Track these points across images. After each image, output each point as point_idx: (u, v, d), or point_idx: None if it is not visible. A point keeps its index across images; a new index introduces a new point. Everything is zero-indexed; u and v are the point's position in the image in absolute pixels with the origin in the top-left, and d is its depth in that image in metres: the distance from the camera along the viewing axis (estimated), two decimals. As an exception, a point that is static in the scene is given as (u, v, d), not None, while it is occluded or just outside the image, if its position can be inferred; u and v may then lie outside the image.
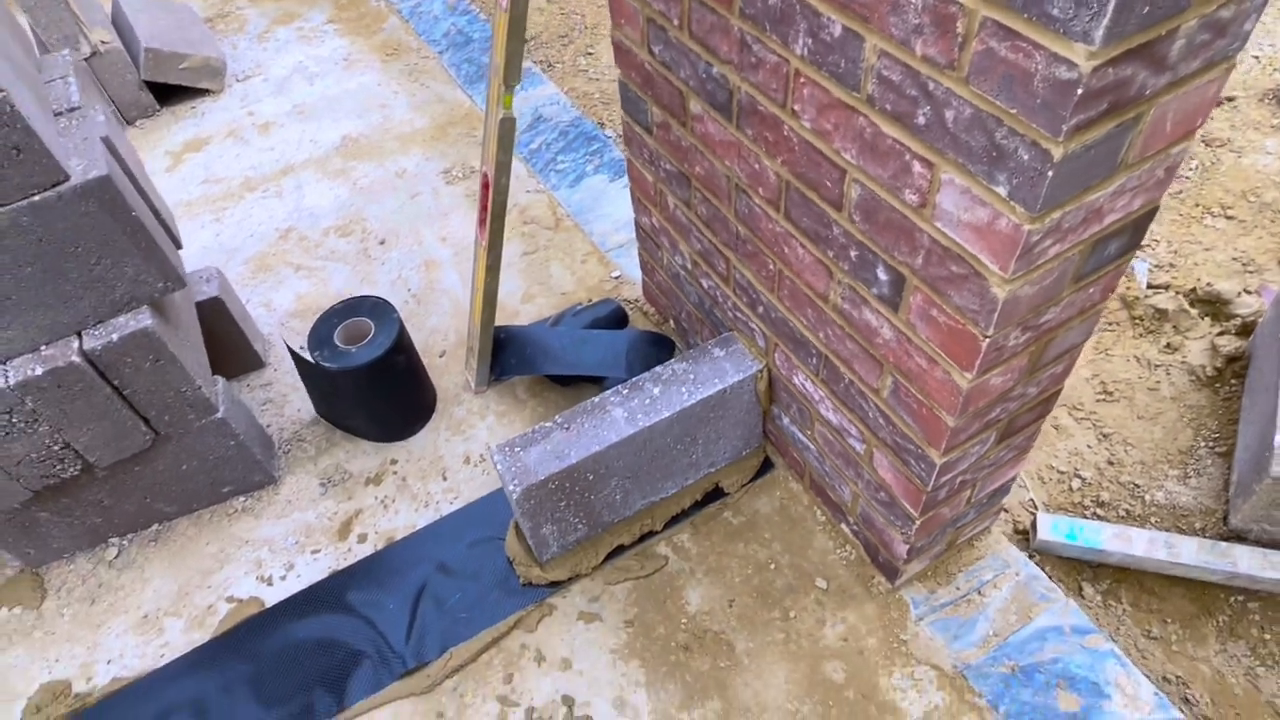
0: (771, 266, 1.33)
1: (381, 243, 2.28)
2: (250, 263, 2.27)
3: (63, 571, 1.68)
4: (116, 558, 1.69)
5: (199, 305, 1.76)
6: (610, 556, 1.59)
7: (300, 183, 2.49)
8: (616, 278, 2.11)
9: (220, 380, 1.67)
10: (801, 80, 1.03)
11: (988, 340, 0.95)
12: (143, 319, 1.41)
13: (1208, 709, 1.49)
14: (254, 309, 2.13)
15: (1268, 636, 1.56)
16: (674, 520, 1.63)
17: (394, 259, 2.24)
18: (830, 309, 1.22)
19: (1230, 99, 2.62)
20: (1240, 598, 1.60)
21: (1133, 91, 0.74)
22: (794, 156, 1.13)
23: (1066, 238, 0.87)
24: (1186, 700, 1.50)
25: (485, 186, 1.57)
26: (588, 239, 2.21)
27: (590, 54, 3.04)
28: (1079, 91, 0.69)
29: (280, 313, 2.13)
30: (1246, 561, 1.55)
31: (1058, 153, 0.74)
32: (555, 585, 1.56)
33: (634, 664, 1.46)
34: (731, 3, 1.09)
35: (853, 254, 1.10)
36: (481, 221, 1.64)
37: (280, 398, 1.93)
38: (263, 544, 1.68)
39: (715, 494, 1.67)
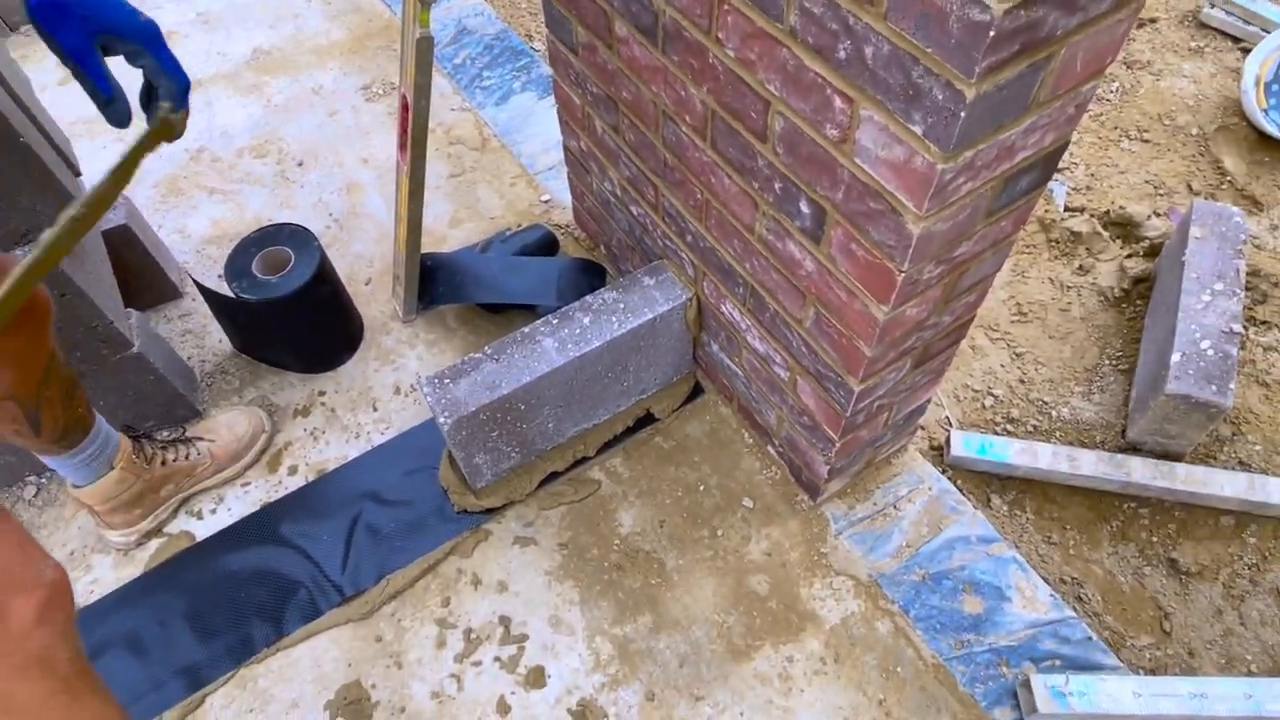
0: (699, 196, 1.33)
1: (299, 164, 2.19)
2: (160, 186, 2.15)
3: (-21, 512, 1.63)
4: (35, 495, 1.65)
5: (105, 234, 1.67)
6: (544, 483, 1.62)
7: (209, 99, 2.35)
8: (546, 201, 2.07)
9: (134, 313, 1.60)
10: (725, 7, 1.01)
11: (903, 275, 0.97)
12: (42, 252, 1.34)
13: (1098, 605, 1.62)
14: (166, 236, 2.03)
15: (1154, 539, 1.70)
16: (607, 446, 1.67)
17: (313, 181, 2.15)
18: (756, 240, 1.24)
19: (1152, 20, 2.66)
20: (1133, 504, 1.73)
21: (1044, 32, 0.75)
22: (719, 85, 1.11)
23: (979, 175, 0.89)
24: (1080, 599, 1.63)
25: (405, 109, 1.51)
26: (516, 160, 2.16)
27: (517, -40, 2.89)
28: (991, 33, 0.70)
29: (195, 239, 2.04)
30: (1139, 472, 1.66)
31: (971, 93, 0.75)
32: (490, 512, 1.59)
33: (568, 584, 1.51)
34: (655, -79, 1.05)
35: (777, 186, 1.11)
36: (402, 145, 1.58)
37: (200, 329, 1.87)
38: (190, 479, 1.66)
39: (647, 419, 1.70)
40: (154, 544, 1.58)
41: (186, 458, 1.58)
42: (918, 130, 0.83)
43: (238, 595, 1.51)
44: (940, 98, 0.78)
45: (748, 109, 1.08)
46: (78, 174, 1.55)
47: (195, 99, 2.33)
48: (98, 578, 1.55)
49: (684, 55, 1.15)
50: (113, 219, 1.69)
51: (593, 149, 1.64)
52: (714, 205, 1.30)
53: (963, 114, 0.77)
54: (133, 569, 1.56)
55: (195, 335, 1.87)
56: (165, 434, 1.62)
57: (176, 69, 0.93)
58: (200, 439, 1.61)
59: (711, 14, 1.04)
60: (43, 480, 1.66)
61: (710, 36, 1.07)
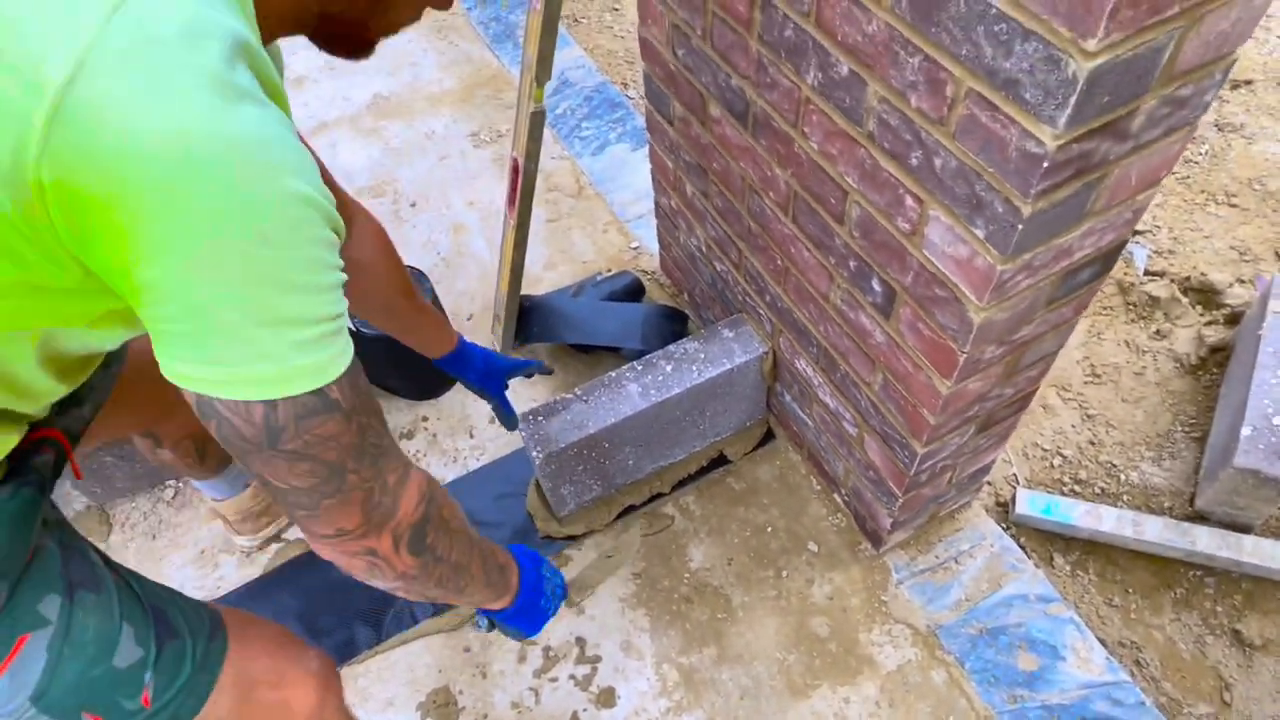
0: (779, 262, 1.44)
1: (413, 205, 2.39)
2: (287, 220, 2.38)
3: (126, 508, 1.85)
4: (174, 497, 1.86)
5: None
6: (622, 515, 1.75)
7: (334, 140, 2.58)
8: (635, 248, 2.21)
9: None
10: (811, 107, 1.12)
11: (965, 355, 1.06)
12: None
13: (1157, 671, 1.65)
14: (292, 266, 2.25)
15: (1219, 609, 1.71)
16: (681, 484, 1.78)
17: (424, 221, 2.35)
18: (830, 308, 1.34)
19: (1248, 82, 2.65)
20: (1198, 573, 1.74)
21: (1096, 159, 0.84)
22: (802, 171, 1.23)
23: (1037, 273, 0.98)
24: (1139, 663, 1.66)
25: (515, 170, 1.67)
26: (608, 208, 2.31)
27: (616, 9, 3.07)
28: (1045, 164, 0.80)
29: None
30: (1205, 541, 1.68)
31: (1027, 210, 0.85)
32: (571, 539, 1.72)
33: (640, 612, 1.63)
34: (750, 27, 1.17)
35: (851, 264, 1.21)
36: (510, 201, 1.74)
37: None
38: (306, 491, 1.84)
39: (720, 461, 1.81)
40: (274, 548, 1.77)
41: None
42: (980, 234, 0.93)
43: (344, 600, 1.68)
44: (1000, 210, 0.88)
45: (827, 195, 1.19)
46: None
47: (320, 140, 2.57)
48: (223, 575, 1.75)
49: (771, 141, 1.27)
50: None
51: (682, 208, 1.77)
52: (793, 272, 1.41)
53: (1020, 226, 0.87)
54: (254, 570, 1.75)
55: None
56: None
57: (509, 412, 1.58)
58: None
59: (798, 110, 1.16)
60: (180, 484, 1.88)
61: (796, 129, 1.19)
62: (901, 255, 1.09)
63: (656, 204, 1.94)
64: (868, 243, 1.15)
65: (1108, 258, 1.06)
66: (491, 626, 1.21)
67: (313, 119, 2.64)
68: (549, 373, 1.65)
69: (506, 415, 1.56)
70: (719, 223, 1.62)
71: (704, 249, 1.77)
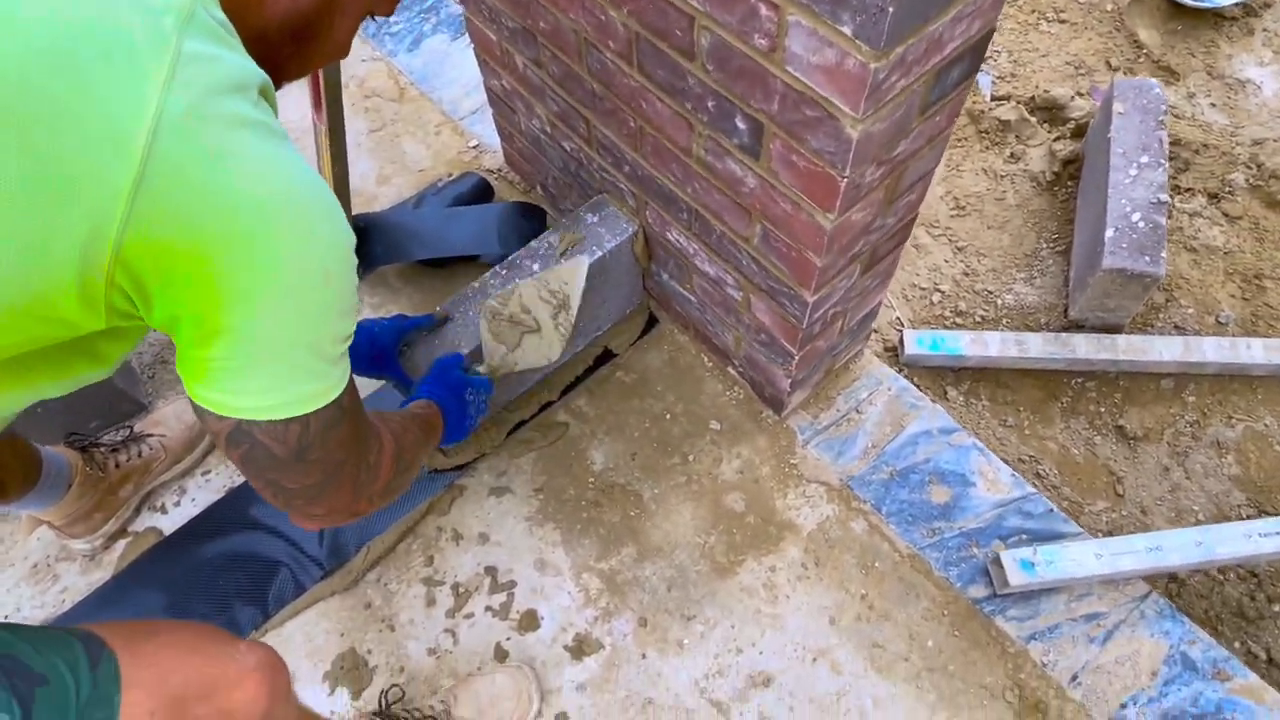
0: (632, 124, 1.30)
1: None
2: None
3: (-71, 536, 1.57)
4: (-13, 513, 1.59)
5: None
6: (512, 432, 1.62)
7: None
8: (475, 147, 2.01)
9: (58, 312, 1.53)
10: (638, -79, 0.97)
11: (845, 180, 0.97)
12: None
13: (1056, 479, 1.70)
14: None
15: (1101, 410, 1.77)
16: (569, 388, 1.66)
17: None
18: (695, 163, 1.22)
19: (1060, -104, 2.64)
20: (1080, 380, 1.80)
21: (964, -84, 0.73)
22: (640, 5, 1.08)
23: (911, 71, 0.88)
24: (1038, 475, 1.71)
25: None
26: (437, 108, 2.09)
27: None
28: (912, -79, 0.69)
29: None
30: (1083, 347, 1.73)
31: (897, -13, 0.74)
32: (462, 468, 1.59)
33: (549, 527, 1.53)
34: None
35: (710, 104, 1.09)
36: (316, 104, 1.51)
37: (132, 320, 1.80)
38: (148, 474, 1.62)
39: (606, 356, 1.70)
40: (120, 545, 1.55)
41: (139, 455, 1.53)
42: (847, 30, 0.82)
43: (216, 583, 1.49)
44: (867, -5, 0.77)
45: (671, 27, 1.05)
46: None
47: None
48: (67, 586, 1.52)
49: (600, -23, 1.11)
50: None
51: (516, 87, 1.59)
52: (648, 131, 1.28)
53: (890, 9, 0.76)
54: (102, 573, 1.52)
55: (128, 327, 1.79)
56: (112, 435, 1.57)
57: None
58: (150, 435, 1.56)
59: (624, -70, 1.00)
60: (-9, 496, 1.60)
61: (625, -46, 1.03)
62: (764, 79, 0.97)
63: (488, 90, 1.74)
64: (724, 74, 1.02)
65: (975, 50, 0.98)
66: None
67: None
68: (447, 320, 1.44)
69: (405, 385, 1.39)
70: (559, 94, 1.45)
71: (549, 129, 1.60)
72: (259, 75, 0.65)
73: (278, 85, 0.79)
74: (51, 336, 0.63)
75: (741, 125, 1.06)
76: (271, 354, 0.66)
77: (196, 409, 0.70)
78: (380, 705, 1.26)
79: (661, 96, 1.18)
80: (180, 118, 0.57)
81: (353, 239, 0.70)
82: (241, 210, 0.60)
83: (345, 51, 0.87)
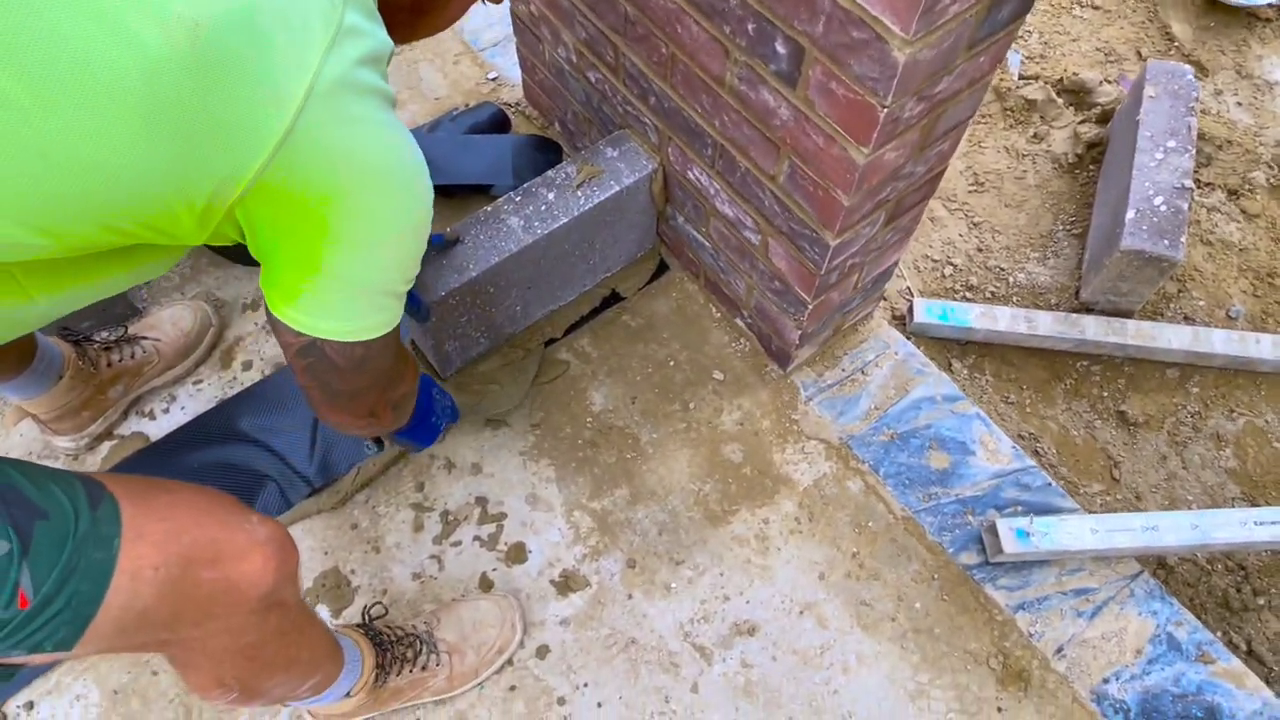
0: (664, 50, 1.27)
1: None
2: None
3: (-92, 424, 1.53)
4: (-31, 405, 1.56)
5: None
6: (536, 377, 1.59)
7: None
8: (493, 79, 1.97)
9: (56, 203, 1.49)
10: None
11: (885, 110, 0.95)
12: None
13: (1053, 458, 1.69)
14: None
15: (1105, 394, 1.76)
16: (573, 327, 1.64)
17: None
18: (726, 92, 1.19)
19: (1104, -118, 2.60)
20: (1085, 363, 1.79)
21: None
22: (687, -82, 1.04)
23: (966, -5, 0.86)
24: (1036, 453, 1.70)
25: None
26: (458, 36, 2.04)
27: None
28: None
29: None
30: (1093, 329, 1.71)
31: (967, -109, 0.71)
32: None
33: (543, 462, 1.51)
34: None
35: (750, 27, 1.06)
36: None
37: (130, 224, 1.76)
38: (137, 379, 1.58)
39: (613, 299, 1.67)
40: (105, 447, 1.52)
41: (132, 357, 1.50)
42: (908, -59, 0.79)
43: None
44: (934, -100, 0.74)
45: (719, -59, 1.02)
46: None
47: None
48: (48, 484, 1.48)
49: (647, -114, 1.07)
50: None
51: (544, 11, 1.55)
52: (680, 59, 1.24)
53: (958, -83, 0.73)
54: (85, 473, 1.49)
55: (126, 231, 1.75)
56: (106, 334, 1.53)
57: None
58: (144, 337, 1.52)
59: None
60: (-25, 388, 1.57)
61: None
62: (810, -2, 0.94)
63: (514, 16, 1.70)
64: (769, -7, 0.99)
65: (1030, -11, 0.95)
66: (382, 446, 1.26)
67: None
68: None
69: (416, 308, 1.33)
70: (589, 19, 1.42)
71: (574, 59, 1.56)
72: (389, 45, 0.73)
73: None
74: (150, 240, 0.69)
75: (781, 49, 1.03)
76: (359, 289, 0.77)
77: (273, 321, 0.79)
78: (363, 618, 1.24)
79: (698, 19, 1.14)
80: (332, 84, 0.64)
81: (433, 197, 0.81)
82: (365, 171, 0.69)
83: (446, 28, 0.97)
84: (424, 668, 1.23)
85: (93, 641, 0.69)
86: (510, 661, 1.32)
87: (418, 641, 1.24)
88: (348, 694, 1.12)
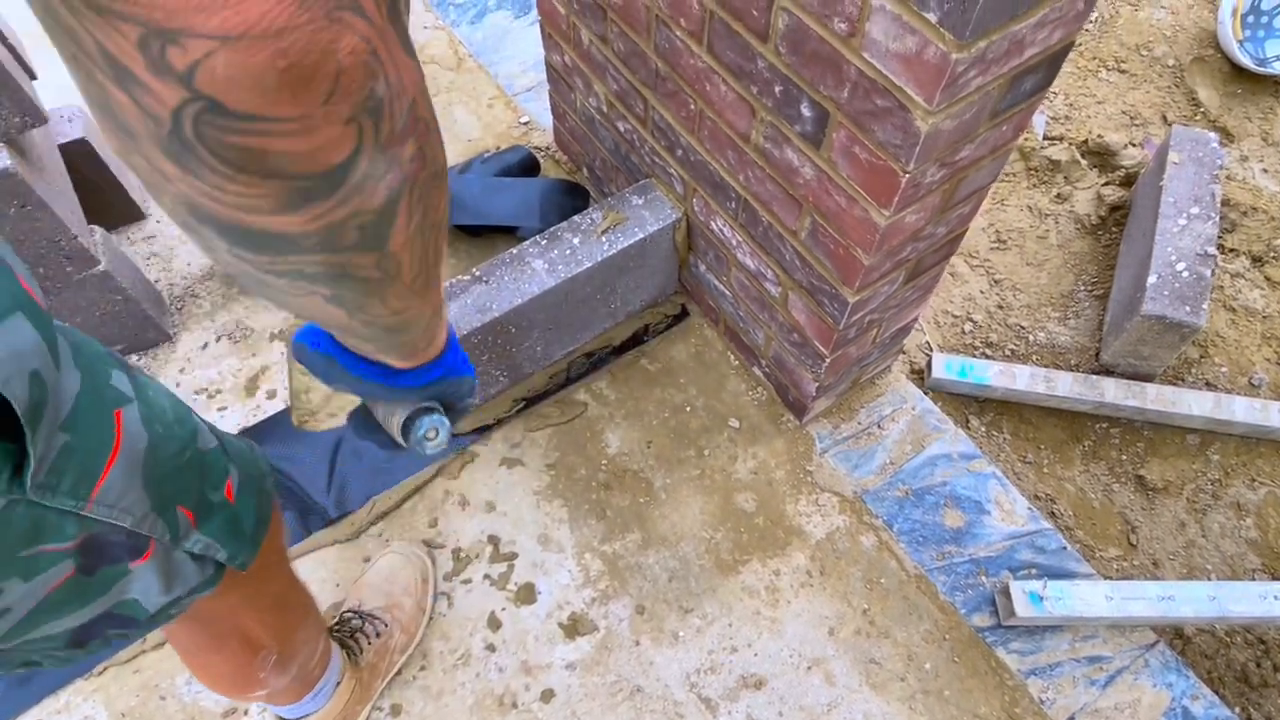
0: (692, 106, 1.30)
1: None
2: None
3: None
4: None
5: (63, 148, 1.59)
6: (526, 407, 1.61)
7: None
8: (525, 123, 2.02)
9: (99, 230, 1.54)
10: (730, -105, 0.97)
11: (907, 176, 0.96)
12: (0, 159, 1.27)
13: (1070, 520, 1.68)
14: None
15: (1123, 457, 1.75)
16: (593, 369, 1.66)
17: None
18: (751, 149, 1.22)
19: (1132, -50, 2.64)
20: (1104, 425, 1.77)
21: (1067, -89, 0.73)
22: (719, -17, 1.08)
23: (990, 69, 0.88)
24: (1053, 515, 1.68)
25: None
26: (493, 81, 2.10)
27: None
28: (1018, -94, 0.68)
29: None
30: (1113, 392, 1.70)
31: (991, -25, 0.74)
32: (477, 433, 1.58)
33: (556, 503, 1.51)
34: None
35: (777, 89, 1.09)
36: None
37: (167, 251, 1.81)
38: (164, 403, 1.61)
39: (633, 342, 1.69)
40: (129, 468, 1.54)
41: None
42: (932, 18, 0.81)
43: (219, 518, 1.49)
44: (959, -19, 0.77)
45: (749, 7, 1.05)
46: (33, 77, 1.46)
47: None
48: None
49: (682, -48, 1.11)
50: (69, 131, 1.61)
51: (578, 62, 1.59)
52: (708, 115, 1.27)
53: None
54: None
55: (162, 258, 1.80)
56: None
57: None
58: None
59: (714, -96, 1.00)
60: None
61: (712, -71, 1.03)
62: (837, 65, 0.96)
63: (548, 65, 1.75)
64: (796, 58, 1.02)
65: (1052, 63, 0.97)
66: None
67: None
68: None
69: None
70: (621, 72, 1.45)
71: (604, 109, 1.60)
72: None
73: None
74: None
75: (807, 112, 1.06)
76: None
77: None
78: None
79: (727, 78, 1.17)
80: None
81: None
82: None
83: None
84: (377, 634, 1.31)
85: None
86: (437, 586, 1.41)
87: (356, 618, 1.31)
88: (337, 683, 1.19)
